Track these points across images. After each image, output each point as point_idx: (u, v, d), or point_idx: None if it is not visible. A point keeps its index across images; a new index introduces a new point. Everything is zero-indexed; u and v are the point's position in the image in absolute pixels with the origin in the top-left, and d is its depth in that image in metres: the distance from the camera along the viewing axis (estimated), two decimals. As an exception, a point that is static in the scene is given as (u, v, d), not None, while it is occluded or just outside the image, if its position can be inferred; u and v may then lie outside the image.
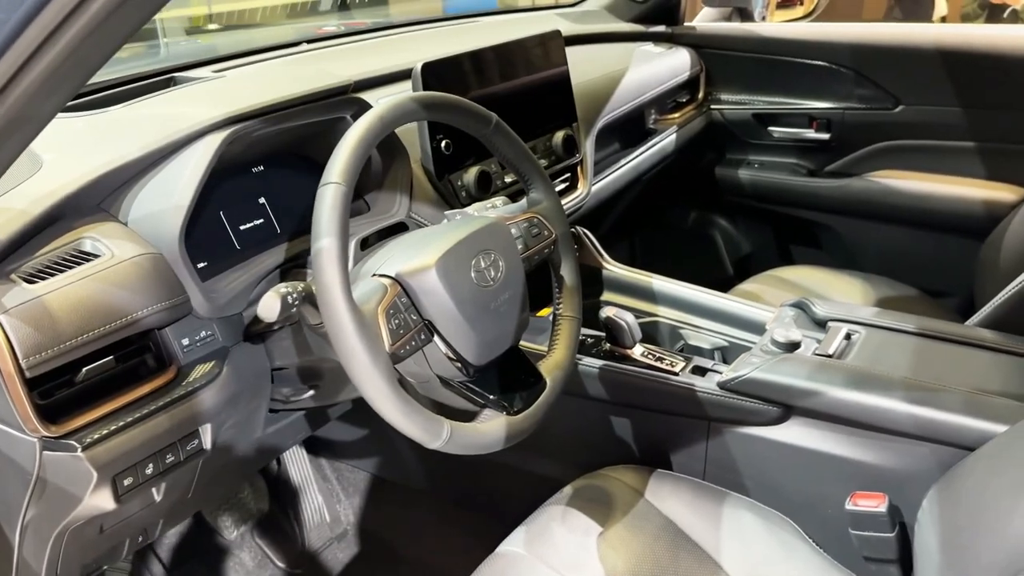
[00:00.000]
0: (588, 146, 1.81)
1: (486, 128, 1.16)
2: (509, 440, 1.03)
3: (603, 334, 1.46)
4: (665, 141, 2.24)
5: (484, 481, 1.71)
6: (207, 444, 1.11)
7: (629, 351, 1.41)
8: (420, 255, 1.02)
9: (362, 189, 1.38)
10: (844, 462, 1.22)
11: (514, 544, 1.22)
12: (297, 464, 1.90)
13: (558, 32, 1.71)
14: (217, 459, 1.18)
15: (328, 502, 1.89)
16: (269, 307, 0.94)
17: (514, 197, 1.37)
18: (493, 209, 1.29)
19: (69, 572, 1.12)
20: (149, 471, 1.03)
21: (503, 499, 1.63)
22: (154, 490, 1.10)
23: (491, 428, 1.02)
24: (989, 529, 0.84)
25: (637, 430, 1.43)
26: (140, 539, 1.25)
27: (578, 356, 1.42)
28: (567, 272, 1.24)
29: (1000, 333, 1.31)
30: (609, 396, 1.42)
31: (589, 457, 1.44)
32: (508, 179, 1.59)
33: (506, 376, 1.11)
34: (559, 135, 1.70)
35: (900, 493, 1.15)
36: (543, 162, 1.66)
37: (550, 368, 1.15)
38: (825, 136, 2.28)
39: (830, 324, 1.39)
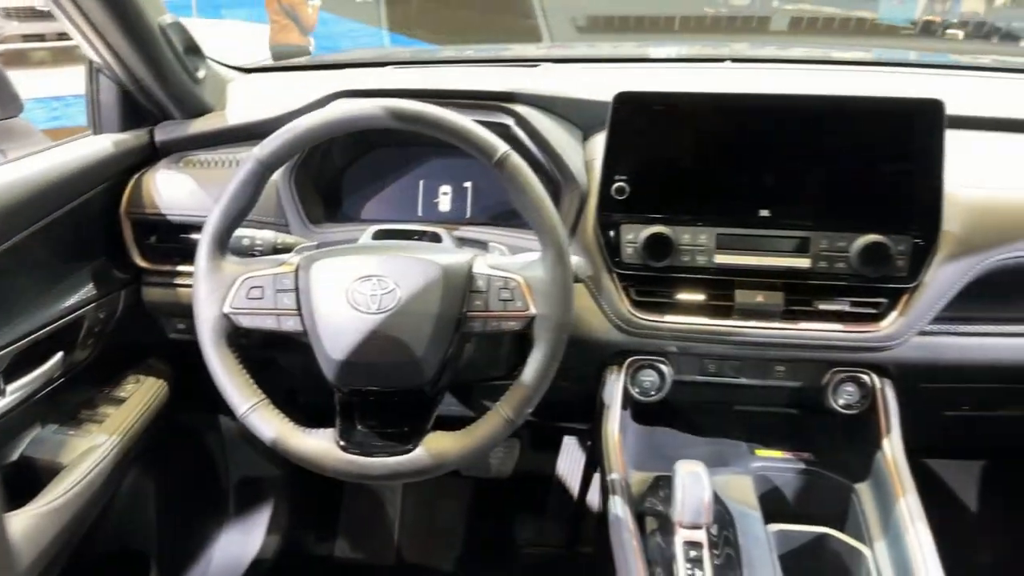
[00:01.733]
0: (942, 275, 1.19)
1: (488, 161, 0.99)
2: (304, 461, 1.01)
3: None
4: None
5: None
6: None
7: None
8: (332, 253, 1.03)
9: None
10: None
11: None
12: None
13: (936, 104, 1.16)
14: None
15: None
16: None
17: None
18: (482, 251, 1.10)
19: None
20: None
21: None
22: None
23: (304, 441, 0.99)
24: None
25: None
26: None
27: None
28: (531, 365, 1.00)
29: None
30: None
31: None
32: (703, 260, 1.21)
33: (372, 414, 1.02)
34: (863, 239, 1.15)
35: None
36: (822, 264, 1.20)
37: (433, 444, 0.99)
38: None
39: None
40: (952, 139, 1.22)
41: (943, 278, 1.18)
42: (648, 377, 1.29)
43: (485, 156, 0.99)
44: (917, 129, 1.16)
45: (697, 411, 1.38)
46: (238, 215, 1.03)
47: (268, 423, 1.01)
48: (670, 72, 1.60)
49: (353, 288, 0.99)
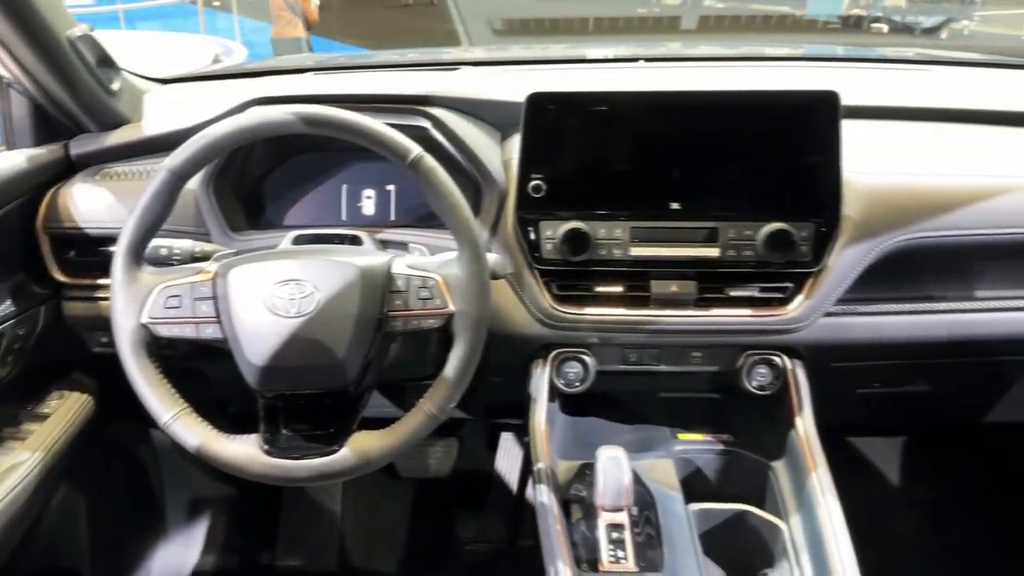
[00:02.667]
0: (844, 259, 1.25)
1: (402, 163, 1.02)
2: (229, 467, 1.01)
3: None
4: None
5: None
6: None
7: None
8: (250, 259, 1.04)
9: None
10: None
11: None
12: None
13: (832, 96, 1.22)
14: None
15: None
16: None
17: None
18: (403, 251, 1.13)
19: None
20: None
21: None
22: None
23: (228, 447, 1.00)
24: None
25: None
26: None
27: None
28: (451, 361, 1.02)
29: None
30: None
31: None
32: (619, 253, 1.26)
33: (296, 417, 1.03)
34: (768, 227, 1.21)
35: None
36: (731, 253, 1.26)
37: (358, 444, 1.01)
38: None
39: None
40: (852, 128, 1.29)
41: (845, 261, 1.24)
42: (572, 369, 1.32)
43: (399, 158, 1.01)
44: (815, 120, 1.22)
45: (622, 400, 1.42)
46: (152, 226, 1.03)
47: (191, 431, 1.01)
48: (585, 72, 1.64)
49: (271, 293, 1.00)
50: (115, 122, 1.43)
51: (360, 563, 1.87)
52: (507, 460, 1.94)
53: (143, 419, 1.03)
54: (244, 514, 1.86)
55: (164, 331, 1.01)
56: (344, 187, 1.40)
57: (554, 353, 1.32)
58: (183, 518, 1.81)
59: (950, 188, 1.26)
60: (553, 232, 1.25)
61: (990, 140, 1.39)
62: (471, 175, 1.30)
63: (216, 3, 12.91)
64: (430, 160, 1.01)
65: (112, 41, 1.40)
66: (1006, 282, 1.32)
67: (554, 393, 1.33)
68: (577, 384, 1.33)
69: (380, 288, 1.02)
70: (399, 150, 1.01)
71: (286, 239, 1.20)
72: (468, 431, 1.93)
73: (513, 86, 1.39)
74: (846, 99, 1.23)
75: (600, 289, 1.28)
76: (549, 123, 1.24)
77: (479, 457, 1.94)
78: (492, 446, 1.95)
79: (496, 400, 1.49)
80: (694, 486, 1.27)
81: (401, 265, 1.05)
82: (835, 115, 1.21)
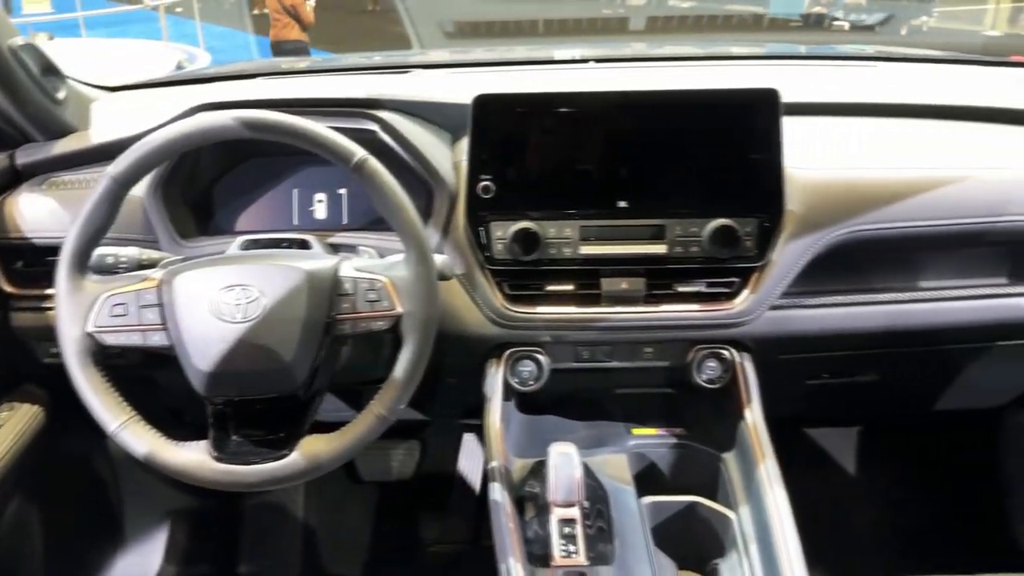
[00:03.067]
0: (787, 253, 1.27)
1: (346, 166, 1.02)
2: (178, 475, 1.02)
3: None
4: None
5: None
6: None
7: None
8: (196, 265, 1.04)
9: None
10: None
11: None
12: None
13: (772, 94, 1.24)
14: None
15: None
16: None
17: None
18: (350, 255, 1.14)
19: None
20: None
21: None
22: None
23: (177, 454, 1.00)
24: None
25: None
26: None
27: None
28: (400, 362, 1.03)
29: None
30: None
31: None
32: (568, 252, 1.28)
33: (246, 423, 1.04)
34: (713, 224, 1.23)
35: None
36: (678, 250, 1.28)
37: (307, 448, 1.02)
38: None
39: None
40: (796, 125, 1.32)
41: (788, 255, 1.26)
42: (526, 367, 1.34)
43: (342, 161, 1.02)
44: (756, 118, 1.24)
45: (577, 397, 1.44)
46: (95, 234, 1.03)
47: (139, 439, 1.01)
48: (535, 74, 1.66)
49: (217, 299, 1.00)
50: (61, 131, 1.42)
51: (323, 567, 1.87)
52: (469, 461, 1.94)
53: (96, 429, 1.03)
54: (205, 522, 1.85)
55: (110, 339, 1.01)
56: (295, 191, 1.41)
57: (508, 352, 1.33)
58: (142, 528, 1.79)
59: (890, 181, 1.29)
60: (503, 232, 1.26)
61: (933, 134, 1.42)
62: (422, 177, 1.31)
63: (179, 9, 12.79)
64: (374, 162, 1.02)
65: (72, 49, 1.39)
66: (948, 272, 1.36)
67: (509, 392, 1.34)
68: (532, 383, 1.34)
69: (327, 291, 1.03)
70: (342, 153, 1.01)
71: (234, 244, 1.20)
72: (430, 433, 1.94)
73: (463, 88, 1.40)
74: (792, 96, 1.26)
75: (551, 288, 1.29)
76: (496, 124, 1.25)
77: (441, 459, 1.94)
78: (454, 447, 1.96)
79: (454, 401, 1.50)
80: (648, 480, 1.29)
81: (348, 268, 1.06)
82: (775, 112, 1.23)
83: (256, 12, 11.49)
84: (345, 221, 1.40)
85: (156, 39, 10.81)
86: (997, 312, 1.35)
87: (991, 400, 1.62)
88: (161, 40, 10.72)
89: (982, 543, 1.72)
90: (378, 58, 1.96)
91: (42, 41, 1.54)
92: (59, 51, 1.47)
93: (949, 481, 1.80)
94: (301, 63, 1.91)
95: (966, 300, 1.34)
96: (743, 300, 1.27)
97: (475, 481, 1.92)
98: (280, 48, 7.11)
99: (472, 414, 1.39)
